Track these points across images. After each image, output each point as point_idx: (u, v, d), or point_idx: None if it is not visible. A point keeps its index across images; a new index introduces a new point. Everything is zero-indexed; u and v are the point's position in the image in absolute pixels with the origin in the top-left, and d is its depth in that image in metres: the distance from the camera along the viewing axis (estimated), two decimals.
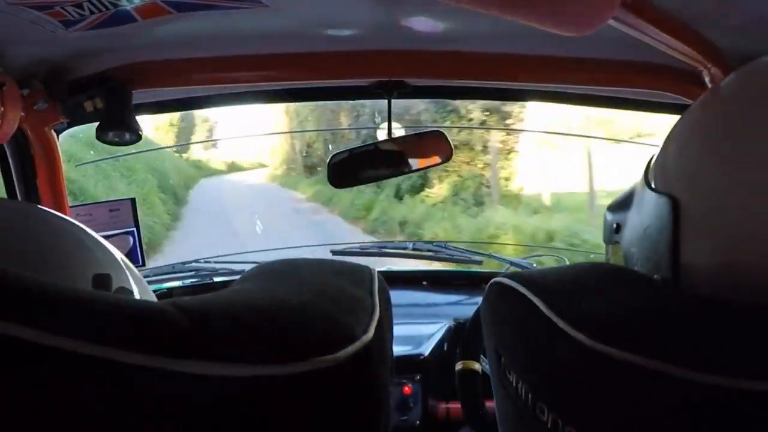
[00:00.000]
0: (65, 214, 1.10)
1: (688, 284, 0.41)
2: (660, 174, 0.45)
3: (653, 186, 0.44)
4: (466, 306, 1.40)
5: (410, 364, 1.12)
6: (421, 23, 0.89)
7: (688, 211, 0.40)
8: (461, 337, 0.98)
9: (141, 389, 0.24)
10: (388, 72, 1.08)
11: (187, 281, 1.45)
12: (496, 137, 7.31)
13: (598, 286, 0.40)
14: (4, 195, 1.11)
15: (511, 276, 0.45)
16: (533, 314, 0.39)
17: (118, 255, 0.46)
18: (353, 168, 1.19)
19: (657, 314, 0.36)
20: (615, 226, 0.52)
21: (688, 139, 0.44)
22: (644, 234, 0.44)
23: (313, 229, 7.49)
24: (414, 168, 1.26)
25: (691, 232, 0.40)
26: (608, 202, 0.56)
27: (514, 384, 0.41)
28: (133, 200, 1.23)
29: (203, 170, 13.30)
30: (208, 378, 0.26)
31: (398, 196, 8.21)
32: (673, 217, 0.40)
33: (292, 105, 8.08)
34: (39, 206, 0.44)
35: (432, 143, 1.23)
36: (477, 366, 0.91)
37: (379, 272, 0.44)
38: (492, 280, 0.48)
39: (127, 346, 0.24)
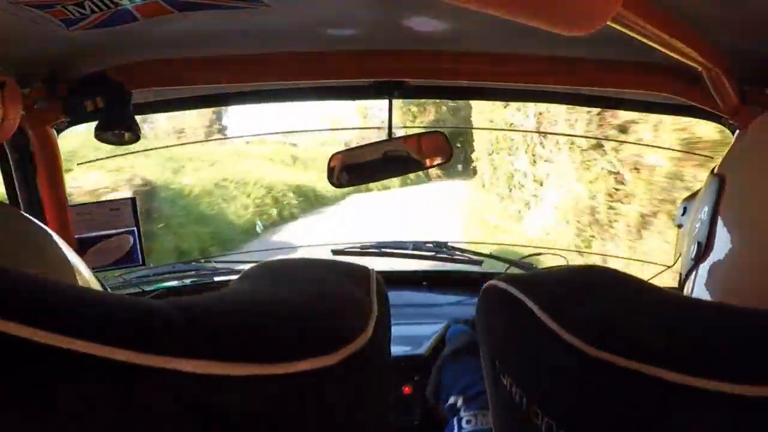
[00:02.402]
0: (65, 213, 1.11)
1: (717, 249, 0.48)
2: (721, 162, 0.53)
3: (714, 171, 0.53)
4: (466, 306, 1.40)
5: (410, 364, 1.12)
6: (421, 23, 0.89)
7: (730, 188, 0.48)
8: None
9: (139, 388, 0.24)
10: (388, 72, 1.08)
11: (187, 281, 1.45)
12: None
13: (594, 289, 0.40)
14: (4, 194, 1.12)
15: (506, 279, 0.45)
16: (527, 318, 0.39)
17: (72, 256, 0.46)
18: (353, 168, 1.19)
19: (652, 319, 0.36)
20: (683, 209, 0.63)
21: (749, 140, 0.52)
22: (699, 208, 0.52)
23: None
24: (413, 168, 1.26)
25: (728, 204, 0.48)
26: None
27: (508, 387, 0.41)
28: (133, 200, 1.23)
29: None
30: (205, 377, 0.26)
31: None
32: (717, 190, 0.49)
33: None
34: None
35: (432, 143, 1.23)
36: None
37: (378, 272, 0.44)
38: (487, 283, 0.47)
39: (125, 345, 0.24)
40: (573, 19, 0.45)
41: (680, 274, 0.55)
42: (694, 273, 0.50)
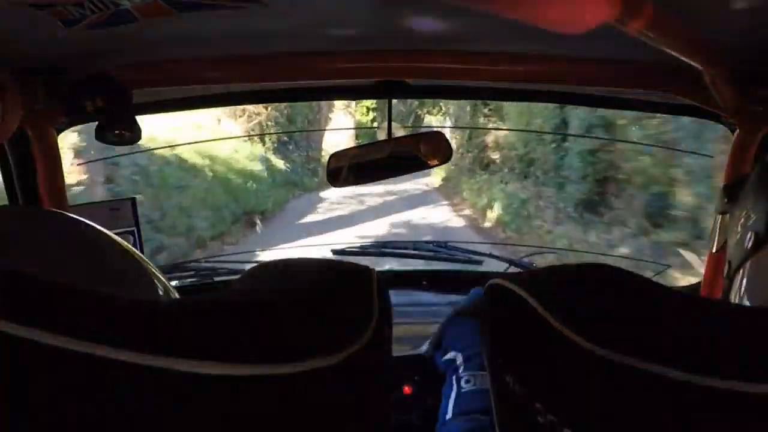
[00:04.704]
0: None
1: None
2: None
3: None
4: None
5: (410, 364, 1.12)
6: (421, 23, 0.89)
7: None
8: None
9: (140, 388, 0.24)
10: (388, 72, 1.08)
11: (187, 281, 1.45)
12: None
13: (596, 287, 0.40)
14: (4, 194, 1.12)
15: (508, 277, 0.45)
16: (529, 315, 0.39)
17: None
18: (352, 168, 1.19)
19: (654, 316, 0.36)
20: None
21: None
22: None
23: None
24: (418, 167, 1.26)
25: None
26: None
27: (511, 385, 0.41)
28: (133, 200, 1.23)
29: None
30: (207, 377, 0.26)
31: None
32: None
33: None
34: (64, 213, 0.45)
35: (431, 144, 1.24)
36: None
37: (378, 272, 0.44)
38: (489, 282, 0.48)
39: (125, 345, 0.24)
40: (569, 17, 0.45)
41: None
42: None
